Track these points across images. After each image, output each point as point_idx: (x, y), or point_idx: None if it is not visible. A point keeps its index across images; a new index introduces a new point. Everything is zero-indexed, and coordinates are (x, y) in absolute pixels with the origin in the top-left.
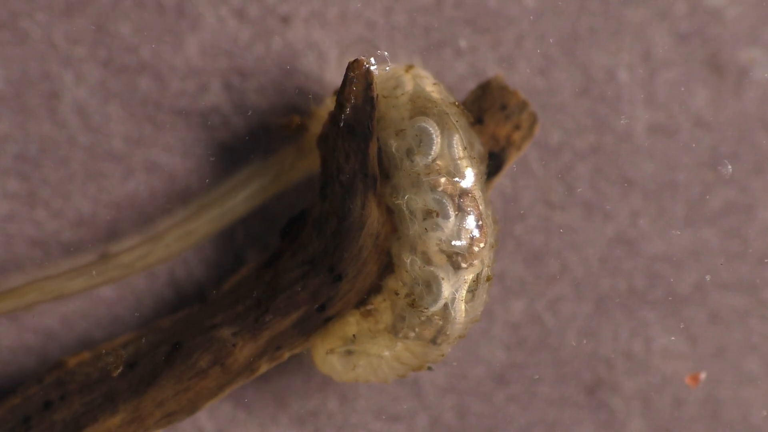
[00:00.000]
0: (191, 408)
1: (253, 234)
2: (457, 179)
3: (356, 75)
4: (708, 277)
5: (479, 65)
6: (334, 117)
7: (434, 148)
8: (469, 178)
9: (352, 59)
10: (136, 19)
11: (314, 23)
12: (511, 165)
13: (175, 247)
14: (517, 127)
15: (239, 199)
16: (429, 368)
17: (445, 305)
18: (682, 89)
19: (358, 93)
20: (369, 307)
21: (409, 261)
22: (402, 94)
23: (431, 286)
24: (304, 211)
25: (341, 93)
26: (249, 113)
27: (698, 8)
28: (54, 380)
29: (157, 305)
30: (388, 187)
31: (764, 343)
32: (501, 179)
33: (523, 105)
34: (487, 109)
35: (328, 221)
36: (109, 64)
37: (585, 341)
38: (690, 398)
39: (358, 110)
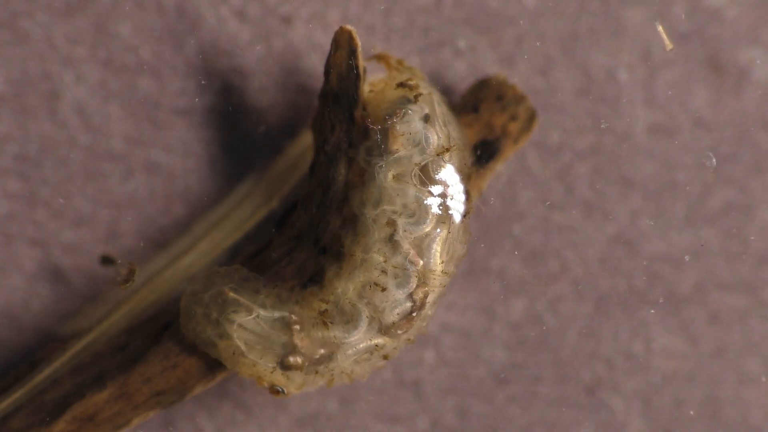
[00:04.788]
0: (181, 389)
1: (250, 232)
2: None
3: (341, 42)
4: (687, 257)
5: (479, 65)
6: (322, 91)
7: (427, 226)
8: (435, 263)
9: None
10: (136, 19)
11: (316, 24)
12: (509, 158)
13: (197, 265)
14: (513, 118)
15: (248, 211)
16: (280, 391)
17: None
18: (682, 89)
19: (342, 61)
20: None
21: (341, 289)
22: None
23: (350, 321)
24: (297, 202)
25: (326, 61)
26: (250, 113)
27: (698, 8)
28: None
29: (154, 304)
30: (357, 196)
31: (764, 343)
32: (500, 175)
33: (521, 98)
34: (483, 99)
35: (314, 195)
36: (109, 64)
37: (585, 341)
38: (690, 398)
39: (342, 78)
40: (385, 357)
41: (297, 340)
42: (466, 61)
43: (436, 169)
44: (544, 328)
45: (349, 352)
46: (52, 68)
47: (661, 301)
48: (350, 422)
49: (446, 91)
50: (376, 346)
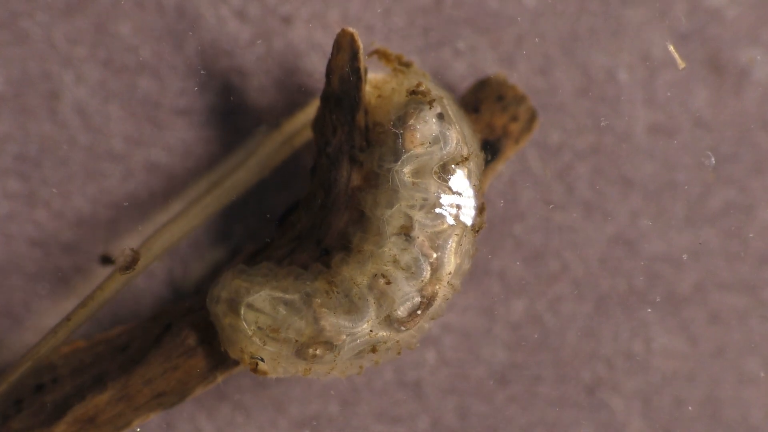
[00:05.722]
0: (182, 390)
1: (251, 231)
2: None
3: (342, 45)
4: (685, 256)
5: (479, 65)
6: (323, 93)
7: (443, 224)
8: (447, 266)
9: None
10: (136, 19)
11: (316, 24)
12: (509, 158)
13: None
14: (514, 119)
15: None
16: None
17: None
18: (682, 89)
19: (344, 63)
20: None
21: (348, 274)
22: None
23: (356, 311)
24: (299, 201)
25: (328, 63)
26: (250, 113)
27: (698, 8)
28: (47, 364)
29: (155, 305)
30: (369, 198)
31: (764, 343)
32: (501, 175)
33: (522, 98)
34: (484, 100)
35: (316, 196)
36: (109, 64)
37: (585, 341)
38: (690, 398)
39: (344, 81)
40: (374, 350)
41: (323, 320)
42: (466, 61)
43: (455, 173)
44: (536, 336)
45: (356, 342)
46: (52, 68)
47: (661, 301)
48: (351, 423)
49: (446, 91)
50: (378, 338)
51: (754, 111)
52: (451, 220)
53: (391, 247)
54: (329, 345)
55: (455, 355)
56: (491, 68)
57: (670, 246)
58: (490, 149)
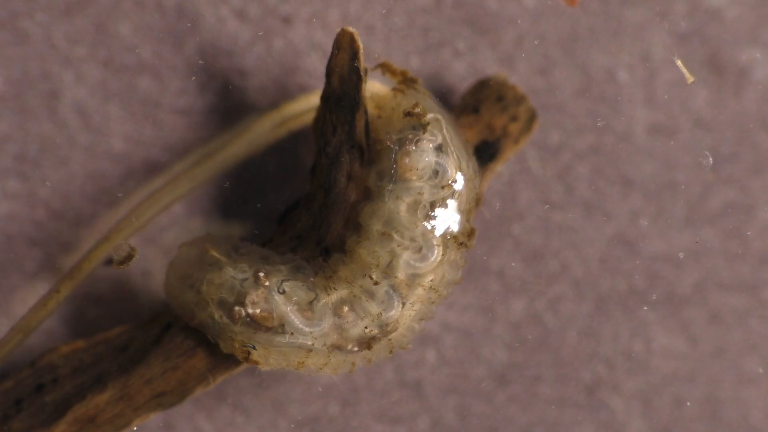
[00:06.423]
0: (181, 390)
1: (251, 231)
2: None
3: (342, 44)
4: (681, 255)
5: (479, 65)
6: (323, 93)
7: (432, 263)
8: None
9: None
10: (136, 19)
11: (316, 24)
12: (509, 158)
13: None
14: (514, 119)
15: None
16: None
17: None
18: (682, 89)
19: (344, 63)
20: None
21: (343, 274)
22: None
23: (314, 319)
24: (299, 200)
25: (328, 63)
26: (250, 113)
27: (698, 8)
28: (47, 364)
29: (154, 304)
30: (366, 209)
31: (764, 343)
32: (500, 175)
33: (521, 98)
34: (484, 100)
35: (316, 196)
36: (109, 64)
37: (585, 341)
38: (690, 398)
39: (344, 81)
40: (369, 346)
41: (254, 294)
42: (466, 61)
43: (446, 205)
44: (536, 336)
45: (293, 342)
46: (52, 68)
47: (660, 301)
48: (351, 423)
49: (446, 92)
50: (302, 346)
51: (754, 111)
52: (436, 262)
53: (375, 265)
54: (256, 323)
55: (455, 354)
56: (491, 68)
57: (670, 246)
58: (489, 150)
